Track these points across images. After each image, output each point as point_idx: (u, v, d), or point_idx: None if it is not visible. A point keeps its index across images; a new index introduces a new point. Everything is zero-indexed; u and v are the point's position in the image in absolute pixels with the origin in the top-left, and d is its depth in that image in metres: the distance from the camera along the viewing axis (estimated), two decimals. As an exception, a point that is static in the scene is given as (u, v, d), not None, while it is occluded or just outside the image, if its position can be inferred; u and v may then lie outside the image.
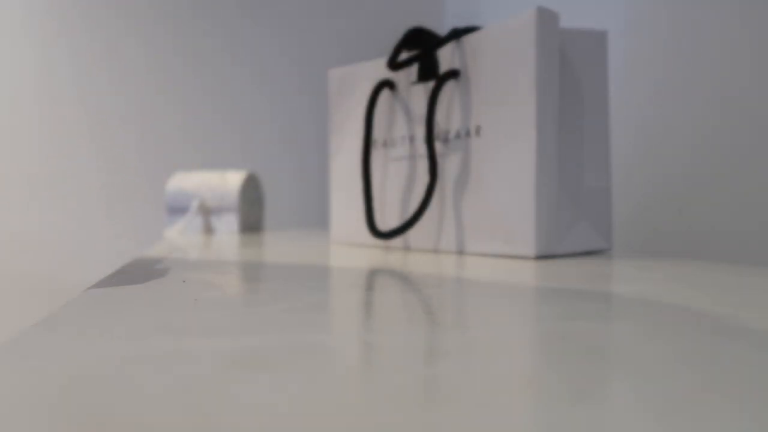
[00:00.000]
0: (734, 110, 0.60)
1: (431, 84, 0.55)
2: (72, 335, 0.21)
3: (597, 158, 0.53)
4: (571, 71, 0.52)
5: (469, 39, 0.53)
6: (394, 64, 0.57)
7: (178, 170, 0.99)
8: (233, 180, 0.91)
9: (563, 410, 0.13)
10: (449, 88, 0.54)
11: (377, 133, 0.61)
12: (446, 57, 0.55)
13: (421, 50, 0.56)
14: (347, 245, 0.63)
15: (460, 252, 0.53)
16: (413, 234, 0.57)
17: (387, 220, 0.60)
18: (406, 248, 0.58)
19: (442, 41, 0.54)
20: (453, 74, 0.54)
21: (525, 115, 0.48)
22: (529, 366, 0.17)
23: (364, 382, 0.15)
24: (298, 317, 0.24)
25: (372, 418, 0.12)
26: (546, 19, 0.48)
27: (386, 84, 0.60)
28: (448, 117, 0.55)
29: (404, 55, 0.58)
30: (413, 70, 0.58)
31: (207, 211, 0.91)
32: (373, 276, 0.41)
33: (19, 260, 1.32)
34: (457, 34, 0.54)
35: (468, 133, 0.53)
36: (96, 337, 0.20)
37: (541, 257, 0.48)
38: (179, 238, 0.81)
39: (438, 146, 0.55)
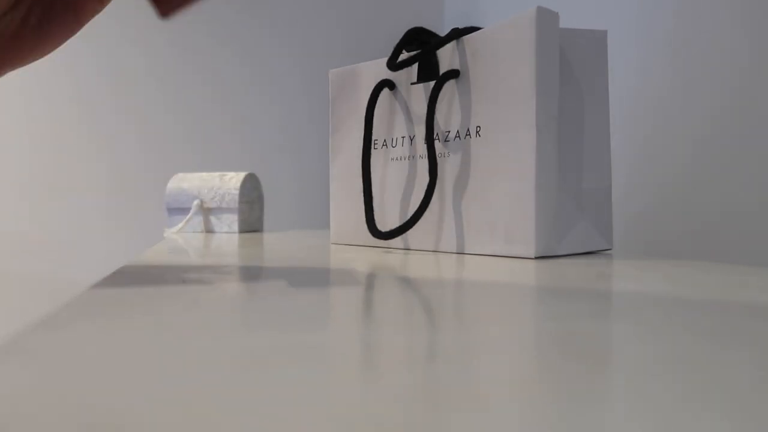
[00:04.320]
0: (734, 110, 0.60)
1: (431, 84, 0.55)
2: (72, 335, 0.21)
3: (597, 158, 0.53)
4: (571, 71, 0.52)
5: (469, 39, 0.53)
6: (394, 64, 0.57)
7: (178, 171, 0.98)
8: (233, 180, 0.91)
9: (563, 410, 0.13)
10: (449, 88, 0.54)
11: (377, 133, 0.61)
12: (446, 57, 0.55)
13: (421, 50, 0.56)
14: (347, 245, 0.63)
15: (460, 252, 0.53)
16: (413, 234, 0.57)
17: (387, 221, 0.60)
18: (406, 248, 0.58)
19: (442, 41, 0.54)
20: (453, 74, 0.54)
21: (525, 115, 0.48)
22: (529, 366, 0.17)
23: (364, 382, 0.15)
24: (298, 317, 0.24)
25: (372, 418, 0.12)
26: (546, 18, 0.48)
27: (386, 84, 0.60)
28: (448, 117, 0.55)
29: (404, 55, 0.58)
30: (413, 70, 0.58)
31: (207, 211, 0.91)
32: (372, 276, 0.41)
33: (19, 260, 1.32)
34: (457, 34, 0.54)
35: (468, 133, 0.53)
36: (96, 337, 0.20)
37: (541, 257, 0.48)
38: (179, 238, 0.81)
39: (438, 146, 0.55)
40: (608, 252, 0.55)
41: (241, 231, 0.90)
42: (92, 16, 0.47)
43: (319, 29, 1.45)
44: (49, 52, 0.48)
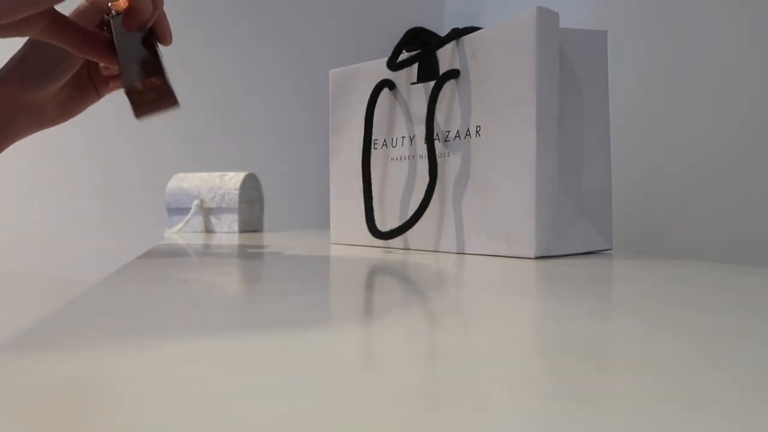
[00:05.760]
0: (735, 110, 0.60)
1: (431, 84, 0.55)
2: (72, 335, 0.21)
3: (597, 158, 0.53)
4: (571, 71, 0.52)
5: (469, 39, 0.53)
6: (394, 65, 0.57)
7: (178, 171, 0.99)
8: (233, 180, 0.91)
9: (563, 410, 0.13)
10: (449, 88, 0.54)
11: (377, 133, 0.61)
12: (446, 57, 0.55)
13: (421, 50, 0.56)
14: (347, 245, 0.63)
15: (460, 252, 0.53)
16: (413, 234, 0.57)
17: (387, 221, 0.60)
18: (406, 248, 0.58)
19: (442, 41, 0.54)
20: (453, 74, 0.54)
21: (525, 115, 0.48)
22: (530, 366, 0.17)
23: (365, 382, 0.15)
24: (299, 317, 0.24)
25: (372, 418, 0.12)
26: (546, 18, 0.48)
27: (386, 84, 0.60)
28: (448, 117, 0.55)
29: (404, 55, 0.58)
30: (413, 70, 0.58)
31: (207, 211, 0.91)
32: (373, 276, 0.41)
33: (19, 260, 1.32)
34: (457, 34, 0.54)
35: (468, 133, 0.53)
36: (96, 337, 0.20)
37: (541, 257, 0.48)
38: (179, 238, 0.81)
39: (438, 146, 0.55)
40: (608, 252, 0.55)
41: (241, 231, 0.90)
42: (109, 91, 0.55)
43: (318, 29, 1.45)
44: (66, 120, 0.56)
